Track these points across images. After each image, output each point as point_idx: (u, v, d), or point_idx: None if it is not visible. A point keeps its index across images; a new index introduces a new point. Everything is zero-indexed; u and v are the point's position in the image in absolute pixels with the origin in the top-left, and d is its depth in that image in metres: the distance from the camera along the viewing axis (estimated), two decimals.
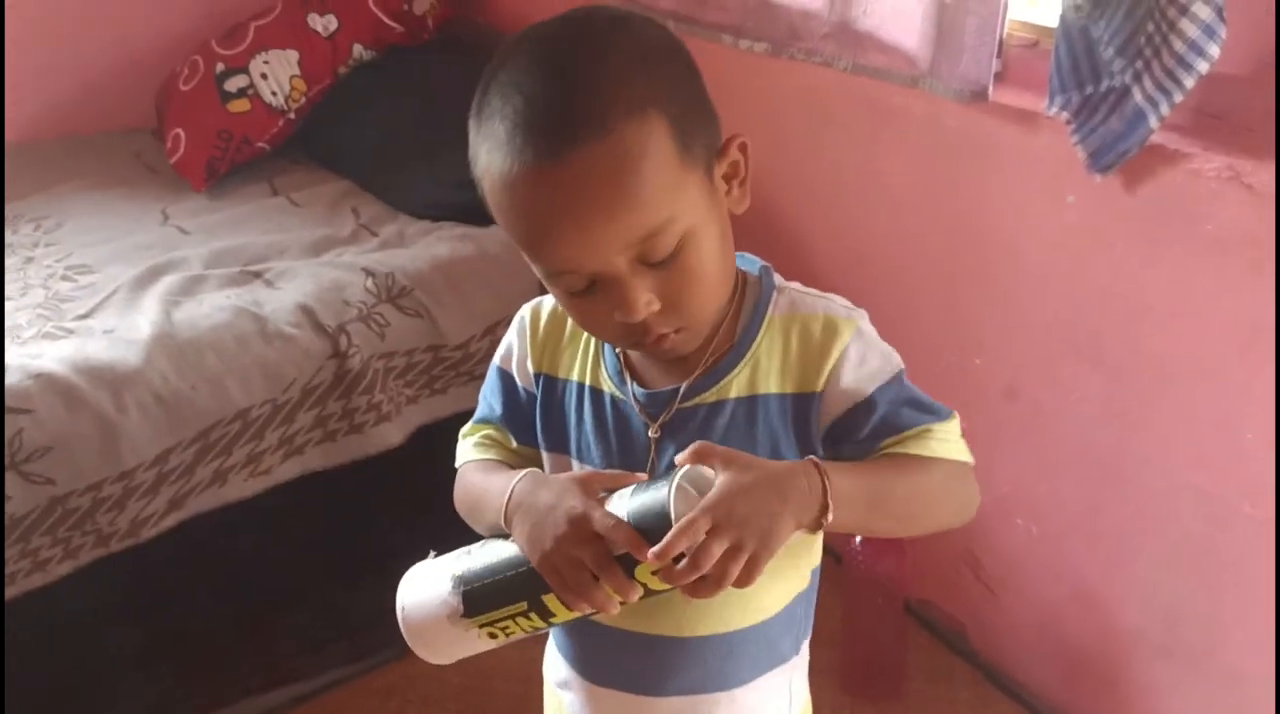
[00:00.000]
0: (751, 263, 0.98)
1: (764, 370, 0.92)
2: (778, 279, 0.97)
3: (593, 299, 0.86)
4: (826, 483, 0.81)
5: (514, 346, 1.03)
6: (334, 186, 2.44)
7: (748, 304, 0.95)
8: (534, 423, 1.02)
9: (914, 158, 1.83)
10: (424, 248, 2.12)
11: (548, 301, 1.02)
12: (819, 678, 1.11)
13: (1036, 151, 1.63)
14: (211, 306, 1.93)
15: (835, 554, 1.94)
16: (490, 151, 0.81)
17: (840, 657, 1.93)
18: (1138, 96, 1.40)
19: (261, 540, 1.98)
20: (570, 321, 1.00)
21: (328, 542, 2.05)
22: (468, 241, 2.13)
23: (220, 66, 2.54)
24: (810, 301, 0.94)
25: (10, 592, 1.73)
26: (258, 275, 2.05)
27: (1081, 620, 1.80)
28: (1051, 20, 1.56)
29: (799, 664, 1.06)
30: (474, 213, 2.13)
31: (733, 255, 0.93)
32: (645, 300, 0.84)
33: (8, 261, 2.18)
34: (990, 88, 1.65)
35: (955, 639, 2.03)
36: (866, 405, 0.89)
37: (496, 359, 1.05)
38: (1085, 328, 1.65)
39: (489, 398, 1.06)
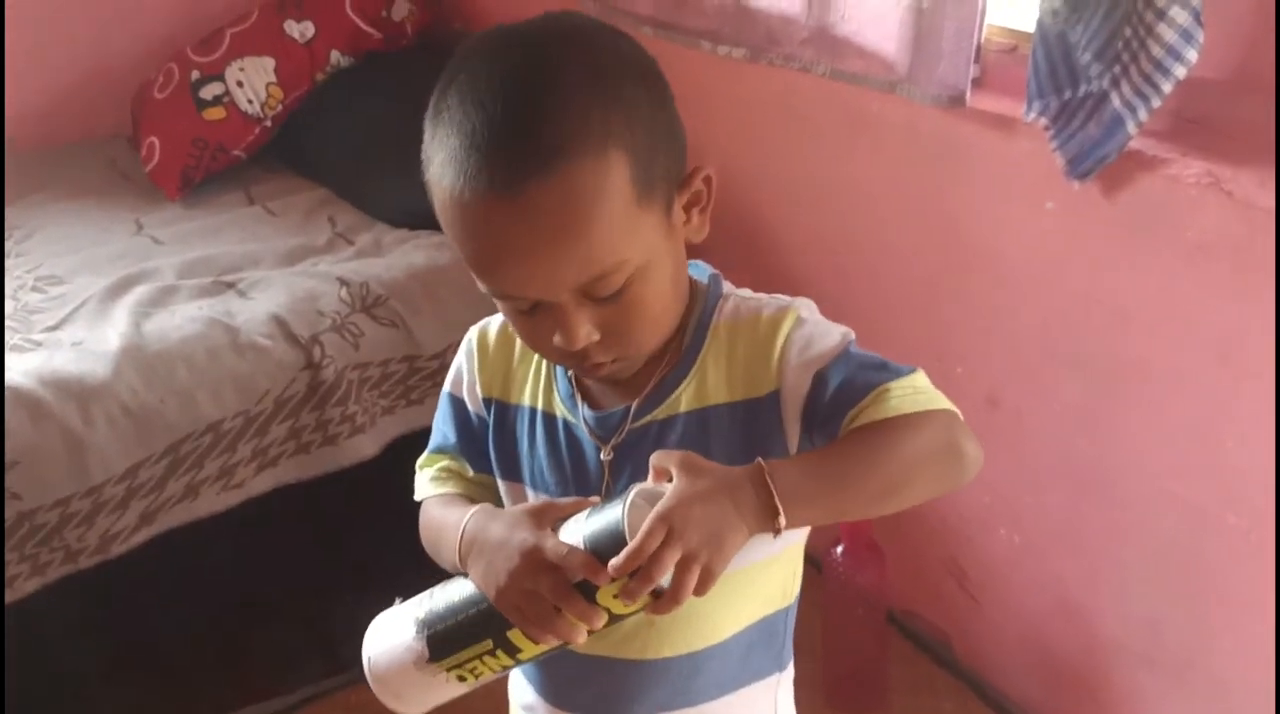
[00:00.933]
0: (702, 271, 0.95)
1: (712, 381, 0.90)
2: (726, 286, 0.94)
3: (537, 319, 0.84)
4: (772, 484, 0.77)
5: (463, 371, 1.01)
6: (310, 195, 2.42)
7: (694, 315, 0.92)
8: (488, 449, 1.00)
9: (892, 164, 1.81)
10: (400, 256, 2.10)
11: (495, 323, 1.00)
12: (800, 691, 1.08)
13: (1015, 158, 1.61)
14: (183, 318, 1.90)
15: (815, 563, 1.92)
16: (443, 164, 0.79)
17: (822, 669, 1.91)
18: (1116, 102, 1.38)
19: (234, 554, 1.95)
20: (520, 344, 0.98)
21: (302, 554, 2.02)
22: (444, 250, 2.10)
23: (196, 74, 2.51)
24: (752, 304, 0.92)
25: None
26: (230, 285, 2.03)
27: (1065, 630, 1.78)
28: (1030, 25, 1.54)
29: (783, 680, 1.03)
30: None
31: (684, 283, 0.90)
32: (585, 332, 0.82)
33: None
34: (968, 93, 1.63)
35: (939, 650, 2.01)
36: (820, 384, 0.85)
37: (447, 385, 1.03)
38: (1065, 335, 1.63)
39: (442, 426, 1.03)
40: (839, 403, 0.84)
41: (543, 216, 0.76)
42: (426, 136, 0.81)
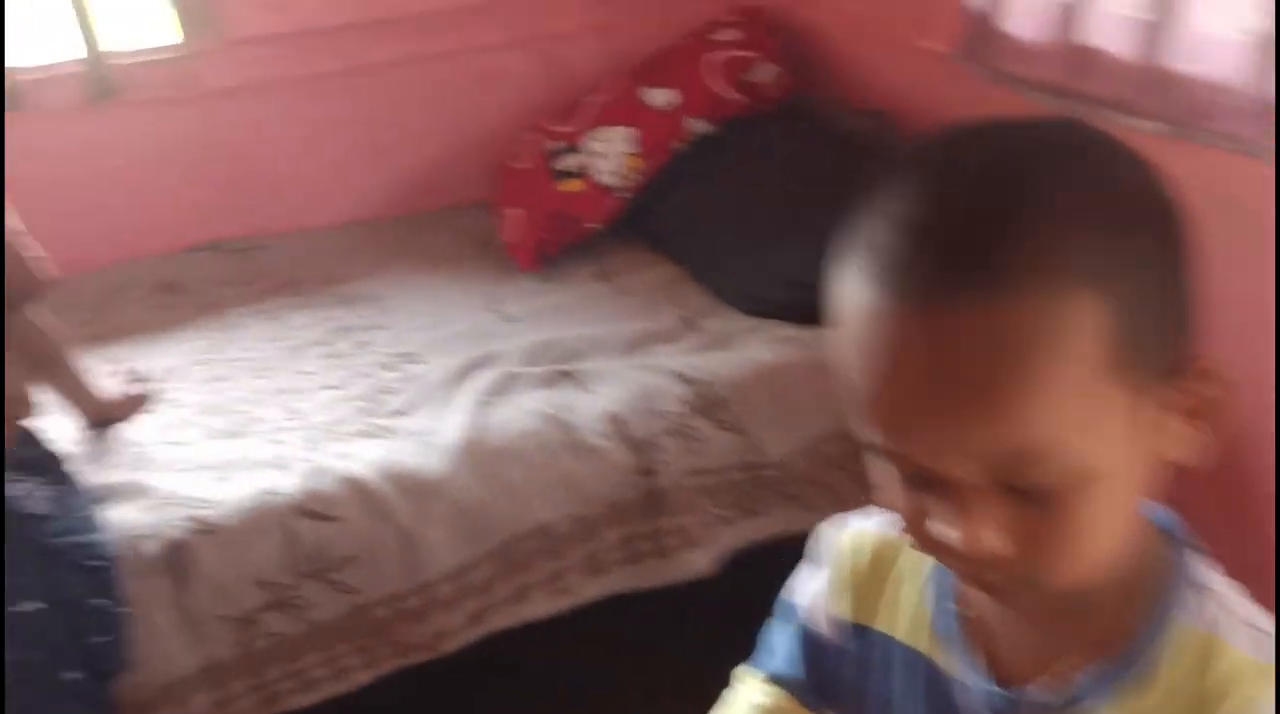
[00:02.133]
0: (1157, 516, 0.69)
1: (1157, 703, 0.64)
2: (1195, 566, 0.68)
3: (924, 495, 0.61)
4: None
5: (819, 588, 0.81)
6: (662, 272, 2.32)
7: (1148, 591, 0.67)
8: (835, 685, 0.80)
9: None
10: (746, 351, 1.94)
11: (870, 530, 0.79)
12: None
13: None
14: (521, 411, 1.84)
15: None
16: (853, 279, 0.59)
17: None
18: None
19: (557, 656, 1.87)
20: (895, 558, 0.77)
21: (626, 663, 1.90)
22: (795, 345, 1.93)
23: (554, 144, 2.48)
24: (1235, 625, 0.65)
25: (310, 698, 1.71)
26: (569, 375, 1.94)
27: None
28: None
29: None
30: (804, 312, 1.92)
31: (1136, 513, 0.65)
32: (989, 535, 0.59)
33: (344, 344, 2.19)
34: None
35: None
36: None
37: (790, 592, 0.83)
38: None
39: (771, 640, 0.84)
40: None
41: (959, 350, 0.55)
42: (846, 241, 0.61)
